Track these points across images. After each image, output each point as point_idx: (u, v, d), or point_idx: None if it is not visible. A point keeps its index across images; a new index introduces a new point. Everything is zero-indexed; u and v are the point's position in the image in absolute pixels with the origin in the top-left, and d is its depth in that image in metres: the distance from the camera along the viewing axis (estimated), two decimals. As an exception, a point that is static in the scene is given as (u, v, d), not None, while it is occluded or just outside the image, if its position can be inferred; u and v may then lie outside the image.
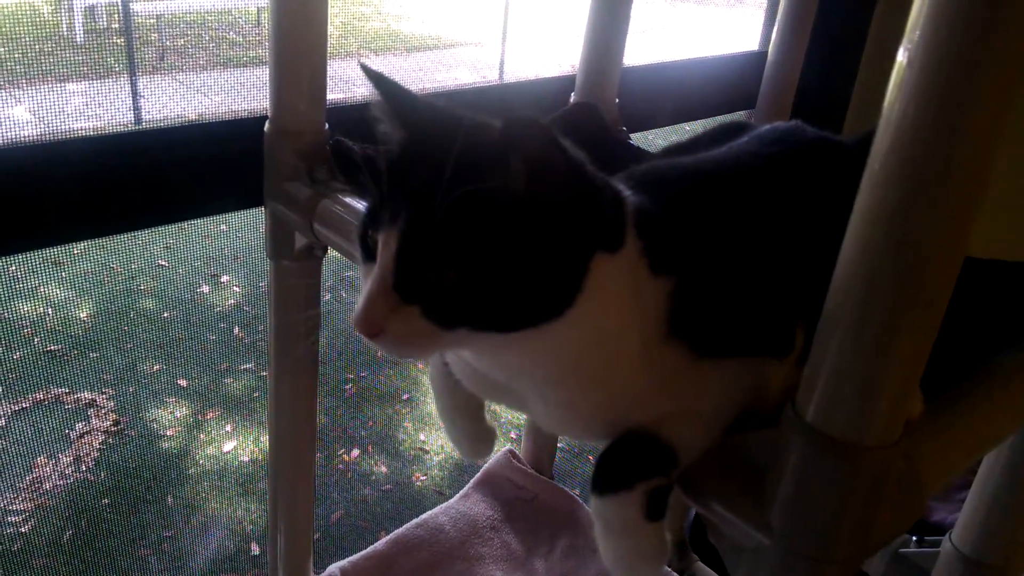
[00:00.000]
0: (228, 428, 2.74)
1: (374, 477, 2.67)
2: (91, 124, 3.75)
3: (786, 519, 0.46)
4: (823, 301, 0.45)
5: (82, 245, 2.80)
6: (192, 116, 4.25)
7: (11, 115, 3.31)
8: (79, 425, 2.60)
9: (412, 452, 2.80)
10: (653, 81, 1.29)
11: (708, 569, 1.32)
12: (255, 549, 2.33)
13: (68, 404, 2.70)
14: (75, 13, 4.88)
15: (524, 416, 1.83)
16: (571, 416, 0.56)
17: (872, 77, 1.46)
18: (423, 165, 0.50)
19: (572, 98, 1.08)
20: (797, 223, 0.59)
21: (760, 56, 1.35)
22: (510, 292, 0.48)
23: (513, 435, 2.50)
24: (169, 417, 2.77)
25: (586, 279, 0.49)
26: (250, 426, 2.76)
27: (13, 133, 3.05)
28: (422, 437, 2.86)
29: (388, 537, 1.17)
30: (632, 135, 1.10)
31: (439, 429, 2.86)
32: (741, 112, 1.41)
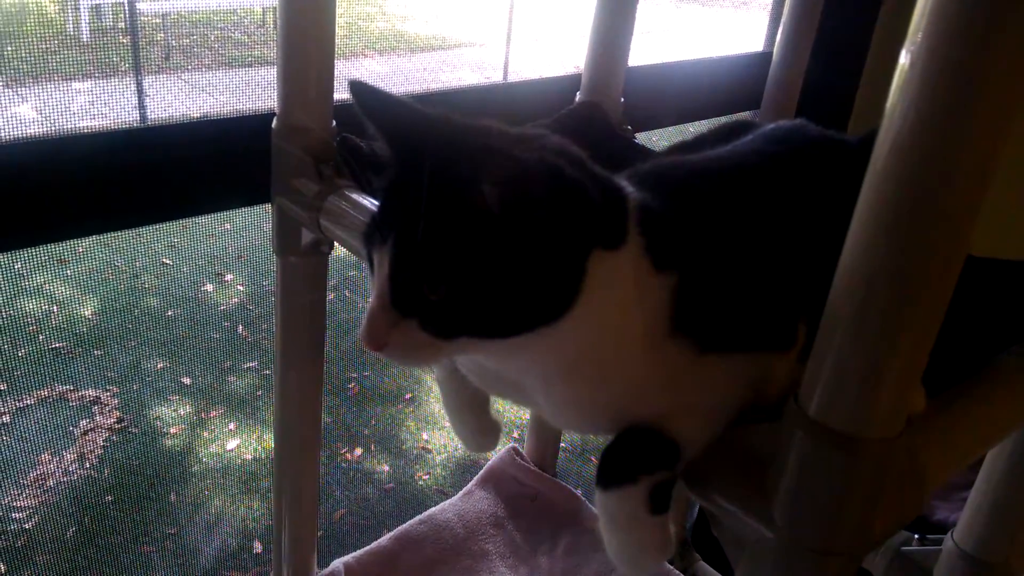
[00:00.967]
0: (231, 426, 2.75)
1: (377, 476, 2.68)
2: (96, 123, 3.76)
3: (788, 511, 0.46)
4: (825, 296, 0.45)
5: (87, 243, 2.81)
6: (197, 115, 4.26)
7: (17, 113, 3.32)
8: (83, 422, 2.61)
9: (415, 451, 2.81)
10: (658, 81, 1.30)
11: (710, 568, 1.33)
12: (258, 547, 2.34)
13: (72, 401, 2.71)
14: (81, 12, 4.88)
15: (527, 415, 1.84)
16: (576, 411, 0.57)
17: (877, 78, 1.46)
18: (406, 187, 0.53)
19: (577, 97, 1.08)
20: (800, 220, 0.59)
21: (765, 57, 1.36)
22: (503, 301, 0.50)
23: (516, 434, 2.51)
24: (173, 415, 2.77)
25: (584, 279, 0.50)
26: (253, 424, 2.76)
27: (19, 131, 3.06)
28: (425, 436, 2.87)
29: (392, 533, 1.17)
30: (636, 135, 1.10)
31: (442, 428, 2.86)
32: (745, 112, 1.41)
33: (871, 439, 0.44)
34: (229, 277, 3.36)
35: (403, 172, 0.54)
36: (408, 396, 3.07)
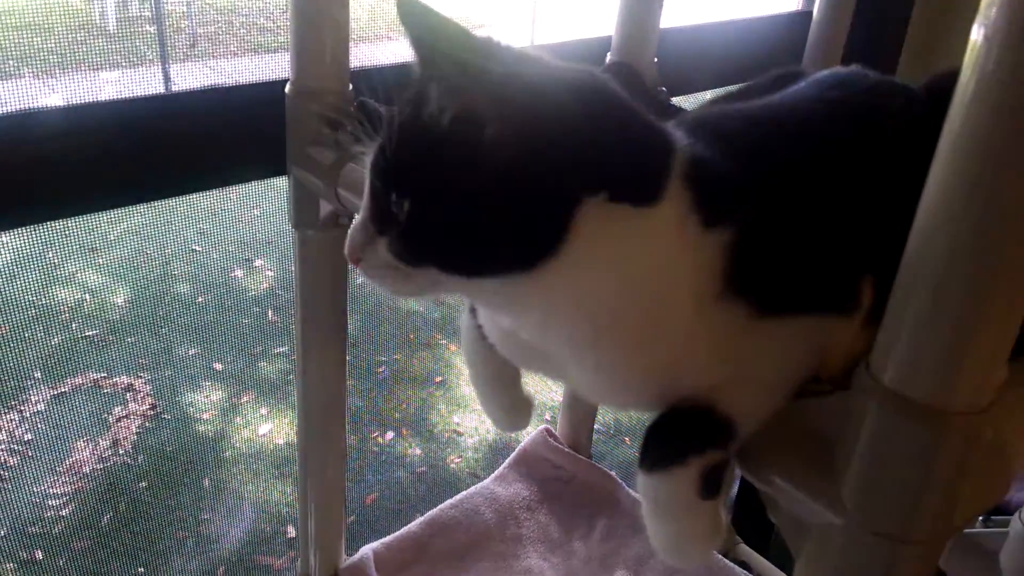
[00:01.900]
0: (263, 411, 2.75)
1: (408, 459, 2.66)
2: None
3: (860, 494, 0.41)
4: (891, 253, 0.40)
5: (117, 231, 2.81)
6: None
7: (46, 104, 3.32)
8: (117, 409, 2.62)
9: (446, 434, 2.79)
10: (692, 43, 1.24)
11: (752, 551, 1.27)
12: (291, 531, 2.33)
13: (106, 388, 2.71)
14: (107, 2, 4.89)
15: (559, 397, 1.79)
16: (615, 383, 0.52)
17: (922, 38, 1.39)
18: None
19: (608, 59, 1.03)
20: (864, 170, 0.54)
21: (805, 16, 1.29)
22: (463, 231, 0.46)
23: (548, 416, 2.47)
24: (205, 401, 2.78)
25: (570, 230, 0.46)
26: (285, 409, 2.75)
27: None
28: (456, 419, 2.85)
29: (422, 518, 1.13)
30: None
31: (473, 411, 2.84)
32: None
33: (957, 412, 0.39)
34: (259, 262, 3.35)
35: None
36: (438, 379, 3.06)
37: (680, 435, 0.48)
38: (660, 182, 0.47)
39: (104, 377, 2.71)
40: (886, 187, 0.49)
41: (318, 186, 0.78)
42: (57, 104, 0.87)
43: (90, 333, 2.88)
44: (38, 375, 2.55)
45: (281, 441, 2.64)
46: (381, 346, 3.03)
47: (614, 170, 0.46)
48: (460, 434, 2.77)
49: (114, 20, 5.04)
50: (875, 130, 0.56)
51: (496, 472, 1.24)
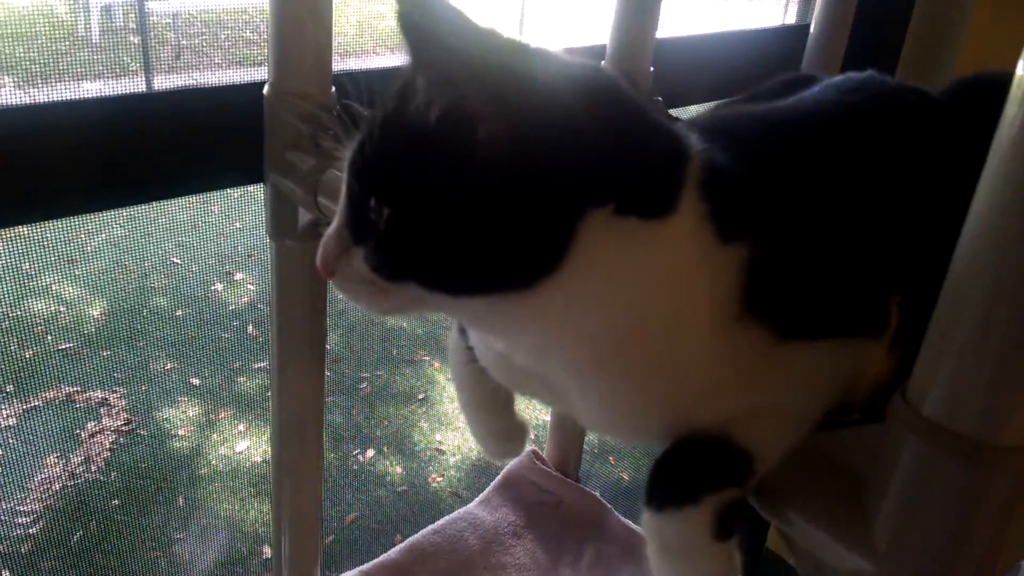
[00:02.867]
0: (241, 427, 2.69)
1: (389, 478, 2.61)
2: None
3: (895, 537, 0.37)
4: (920, 268, 0.37)
5: (95, 242, 2.77)
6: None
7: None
8: (90, 424, 2.56)
9: (428, 452, 2.74)
10: (689, 54, 1.21)
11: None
12: (267, 552, 2.27)
13: (79, 403, 2.65)
14: (91, 12, 4.84)
15: (547, 416, 1.75)
16: (620, 414, 0.47)
17: (920, 54, 1.38)
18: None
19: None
20: (889, 178, 0.50)
21: (802, 30, 1.27)
22: (453, 245, 0.41)
23: (533, 436, 2.42)
24: (181, 416, 2.72)
25: (573, 244, 0.41)
26: (263, 426, 2.70)
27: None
28: (438, 437, 2.80)
29: (403, 545, 1.08)
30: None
31: (456, 429, 2.80)
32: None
33: (1005, 447, 0.35)
34: (239, 276, 3.30)
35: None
36: (421, 396, 3.01)
37: (693, 471, 0.44)
38: (673, 191, 0.42)
39: (78, 391, 2.65)
40: (912, 197, 0.45)
41: (297, 193, 0.74)
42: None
43: (65, 346, 2.81)
44: (10, 388, 2.49)
45: (259, 459, 2.58)
46: (363, 362, 2.98)
47: (623, 179, 0.41)
48: (442, 452, 2.73)
49: (98, 31, 5.00)
50: (900, 137, 0.53)
51: (480, 496, 1.19)
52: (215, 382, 2.87)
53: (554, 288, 0.41)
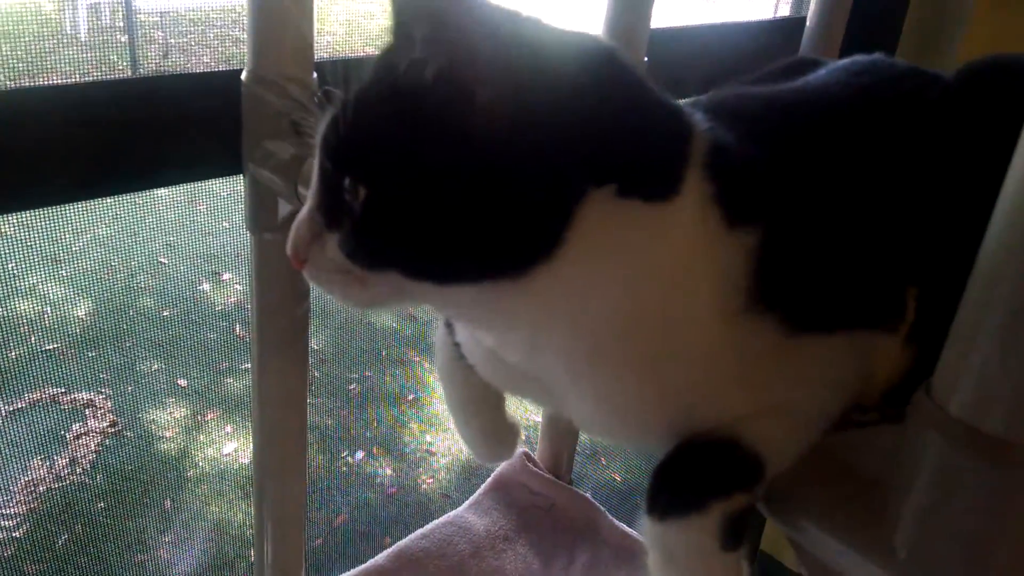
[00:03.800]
0: (228, 429, 2.66)
1: (379, 480, 2.59)
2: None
3: (918, 544, 0.34)
4: (935, 258, 0.34)
5: (81, 242, 2.73)
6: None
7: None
8: (76, 426, 2.52)
9: (418, 454, 2.72)
10: (684, 45, 1.18)
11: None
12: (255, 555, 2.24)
13: (64, 404, 2.62)
14: (78, 10, 4.80)
15: (538, 417, 1.72)
16: (619, 414, 0.44)
17: (916, 48, 1.36)
18: None
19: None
20: (902, 163, 0.47)
21: (798, 23, 1.25)
22: (439, 227, 0.38)
23: (523, 436, 2.40)
24: (168, 418, 2.69)
25: (570, 227, 0.38)
26: (251, 428, 2.67)
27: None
28: (428, 439, 2.78)
29: (391, 550, 1.05)
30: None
31: (446, 430, 2.77)
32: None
33: (1039, 446, 0.32)
34: (227, 276, 3.27)
35: None
36: (411, 397, 2.98)
37: (698, 476, 0.41)
38: (677, 171, 0.39)
39: (63, 393, 2.61)
40: (927, 183, 0.42)
41: (277, 183, 0.71)
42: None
43: (50, 347, 2.77)
44: (-6, 389, 2.46)
45: (246, 460, 2.55)
46: (352, 363, 2.95)
47: (626, 155, 0.38)
48: (433, 454, 2.70)
49: (86, 28, 4.95)
50: (913, 120, 0.50)
51: (470, 499, 1.16)
52: (202, 383, 2.83)
53: (549, 276, 0.38)
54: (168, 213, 2.89)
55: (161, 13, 5.31)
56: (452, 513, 1.13)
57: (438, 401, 2.88)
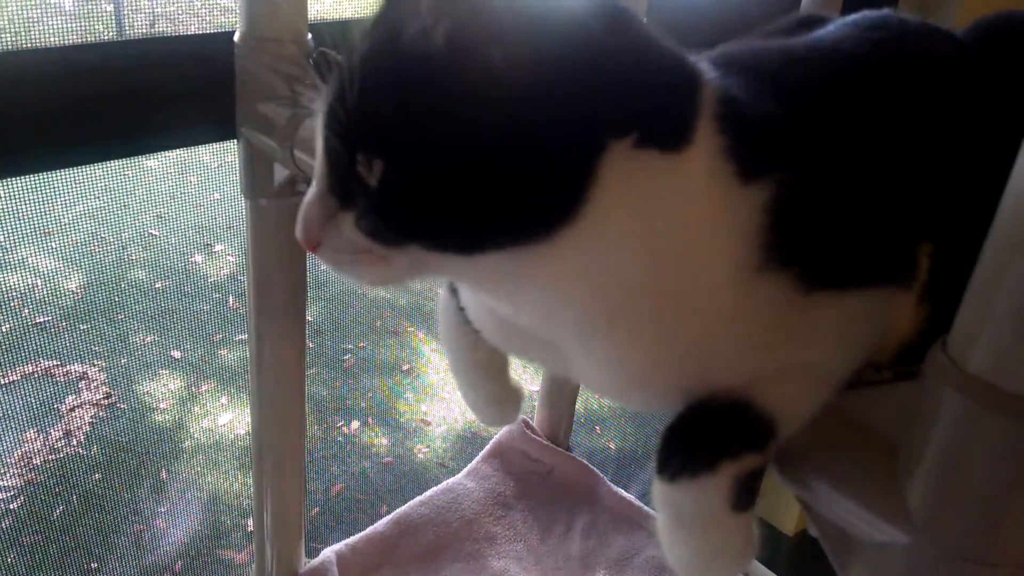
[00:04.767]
0: (223, 400, 2.66)
1: (375, 449, 2.59)
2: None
3: (933, 505, 0.34)
4: (949, 214, 0.33)
5: (72, 214, 2.71)
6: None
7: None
8: (69, 398, 2.51)
9: (414, 424, 2.72)
10: (683, 3, 1.16)
11: (763, 568, 1.18)
12: (251, 525, 2.25)
13: (58, 377, 2.61)
14: (62, -23, 4.72)
15: (535, 385, 1.72)
16: (631, 376, 0.43)
17: (916, 3, 1.34)
18: None
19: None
20: (917, 116, 0.46)
21: (796, -6, 1.23)
22: (463, 196, 0.36)
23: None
24: (162, 390, 2.68)
25: (593, 184, 0.37)
26: (246, 398, 2.66)
27: None
28: (424, 408, 2.78)
29: (389, 517, 1.05)
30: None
31: (442, 400, 2.77)
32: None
33: (1060, 404, 0.31)
34: (219, 248, 3.25)
35: None
36: (406, 367, 2.98)
37: (710, 436, 0.40)
38: (688, 120, 0.38)
39: (56, 365, 2.60)
40: (941, 138, 0.41)
41: (272, 148, 0.69)
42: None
43: (41, 319, 2.75)
44: (-15, 363, 2.45)
45: (242, 431, 2.55)
46: (346, 334, 2.94)
47: (643, 103, 0.37)
48: (428, 423, 2.70)
49: (70, -3, 4.86)
50: (928, 75, 0.49)
51: (469, 466, 1.16)
52: (196, 355, 2.82)
53: (573, 236, 0.37)
54: (158, 185, 2.86)
55: (147, -19, 5.22)
56: (451, 480, 1.13)
57: (433, 371, 2.88)
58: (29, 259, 2.85)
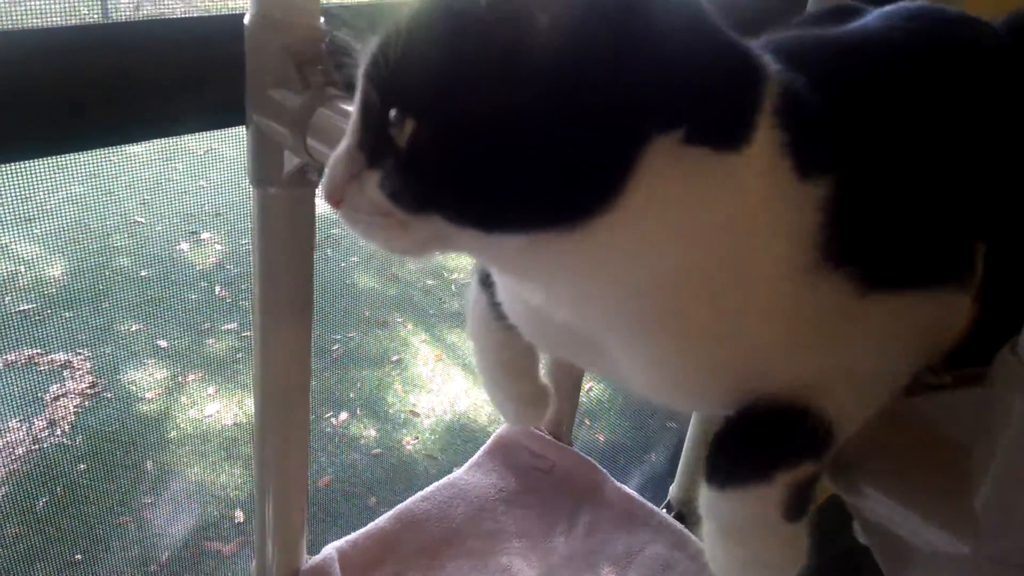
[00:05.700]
0: (211, 390, 2.64)
1: (363, 441, 2.58)
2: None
3: (999, 516, 0.32)
4: (1008, 211, 0.31)
5: (55, 200, 2.68)
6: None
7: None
8: (53, 387, 2.49)
9: (402, 415, 2.71)
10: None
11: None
12: (239, 516, 2.23)
13: (42, 366, 2.58)
14: (47, -41, 4.65)
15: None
16: (679, 378, 0.41)
17: None
18: None
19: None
20: (966, 111, 0.45)
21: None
22: (492, 167, 0.35)
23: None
24: (148, 379, 2.66)
25: (633, 175, 0.35)
26: (233, 388, 2.65)
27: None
28: (412, 400, 2.77)
29: (391, 512, 1.04)
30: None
31: (430, 391, 2.77)
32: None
33: None
34: (206, 236, 3.22)
35: None
36: (395, 358, 2.97)
37: (763, 444, 0.39)
38: (749, 117, 0.36)
39: (40, 354, 2.57)
40: (990, 132, 0.40)
41: (283, 135, 0.67)
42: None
43: (24, 307, 2.72)
44: (-33, 352, 2.41)
45: (229, 422, 2.53)
46: (335, 324, 2.93)
47: (696, 95, 0.35)
48: (417, 415, 2.70)
49: (53, -21, 4.79)
50: (975, 68, 0.48)
51: (471, 460, 1.15)
52: (183, 344, 2.80)
53: (608, 227, 0.35)
54: (143, 171, 2.83)
55: (132, -37, 5.14)
56: (453, 475, 1.12)
57: (421, 363, 2.87)
58: (11, 246, 2.81)
